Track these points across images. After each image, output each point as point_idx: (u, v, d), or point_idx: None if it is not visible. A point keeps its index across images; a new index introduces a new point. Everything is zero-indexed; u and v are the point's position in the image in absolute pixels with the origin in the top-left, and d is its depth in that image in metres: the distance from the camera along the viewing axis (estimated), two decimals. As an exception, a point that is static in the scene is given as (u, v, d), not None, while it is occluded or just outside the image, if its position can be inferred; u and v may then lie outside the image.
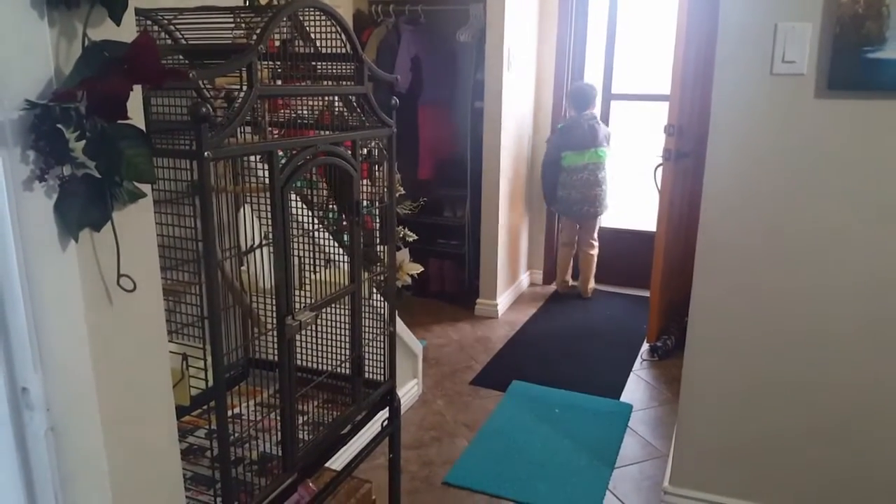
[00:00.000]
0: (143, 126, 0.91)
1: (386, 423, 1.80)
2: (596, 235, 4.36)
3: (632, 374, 3.35)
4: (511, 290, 4.36)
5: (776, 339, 1.99)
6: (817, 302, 1.93)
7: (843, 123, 1.80)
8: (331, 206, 2.26)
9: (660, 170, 3.40)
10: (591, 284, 4.42)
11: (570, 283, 4.50)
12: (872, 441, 1.95)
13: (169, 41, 1.46)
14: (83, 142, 0.81)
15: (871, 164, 1.80)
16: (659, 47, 4.13)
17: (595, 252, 4.37)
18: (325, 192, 2.21)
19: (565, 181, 4.15)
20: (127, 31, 0.88)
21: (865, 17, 1.69)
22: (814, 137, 1.83)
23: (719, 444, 2.13)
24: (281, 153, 1.32)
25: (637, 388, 3.22)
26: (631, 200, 4.62)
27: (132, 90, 0.84)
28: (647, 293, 3.69)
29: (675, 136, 3.26)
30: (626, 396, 3.12)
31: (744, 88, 1.87)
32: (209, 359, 1.21)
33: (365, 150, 1.86)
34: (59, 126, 0.79)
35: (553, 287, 4.62)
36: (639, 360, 3.50)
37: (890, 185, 1.79)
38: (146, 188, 0.93)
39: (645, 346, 3.62)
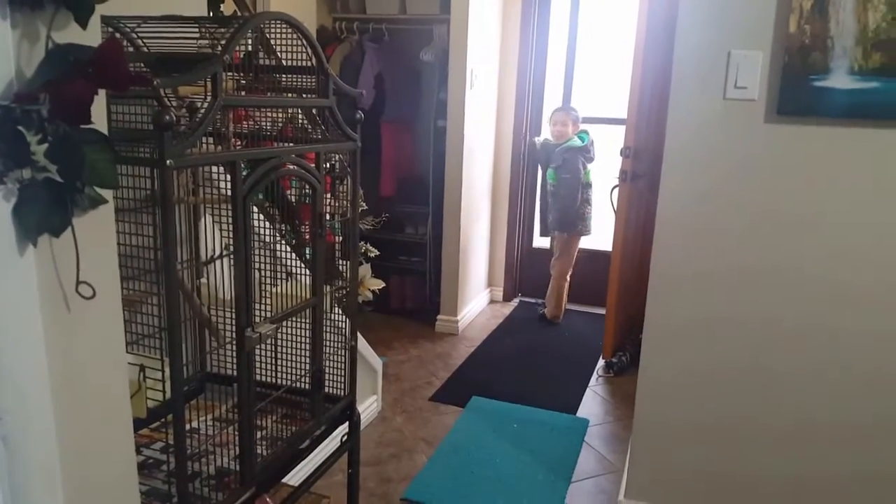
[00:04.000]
0: (105, 131, 0.90)
1: (345, 437, 1.78)
2: None
3: (588, 389, 3.39)
4: (472, 306, 4.38)
5: (727, 360, 2.05)
6: (768, 322, 1.99)
7: (790, 146, 1.87)
8: (294, 219, 2.25)
9: (616, 191, 3.48)
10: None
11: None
12: (827, 457, 2.01)
13: (131, 49, 1.44)
14: (45, 145, 0.80)
15: (818, 185, 1.87)
16: (615, 72, 4.24)
17: None
18: (288, 204, 2.20)
19: (589, 197, 4.11)
20: (92, 35, 0.87)
21: (812, 48, 1.77)
22: (763, 159, 1.91)
23: (673, 459, 2.17)
24: (243, 164, 1.32)
25: (593, 403, 3.26)
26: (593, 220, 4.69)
27: (97, 95, 0.83)
28: (603, 310, 3.75)
29: (631, 157, 3.34)
30: (582, 411, 3.15)
31: (698, 112, 1.94)
32: (167, 370, 1.19)
33: (328, 164, 1.86)
34: (20, 128, 0.78)
35: (513, 304, 4.65)
36: (595, 375, 3.55)
37: (833, 205, 1.87)
38: (108, 194, 0.92)
39: (601, 362, 3.67)
